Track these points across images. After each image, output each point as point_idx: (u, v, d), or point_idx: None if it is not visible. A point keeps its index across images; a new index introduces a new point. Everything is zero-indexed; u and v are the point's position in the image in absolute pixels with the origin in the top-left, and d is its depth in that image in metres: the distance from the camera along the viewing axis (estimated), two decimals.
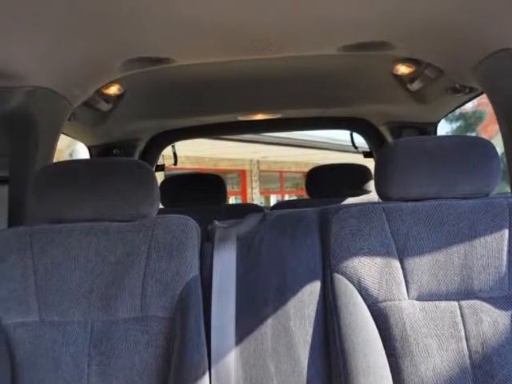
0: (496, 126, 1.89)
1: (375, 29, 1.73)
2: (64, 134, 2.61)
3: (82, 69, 1.89)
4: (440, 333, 1.47)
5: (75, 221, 1.61)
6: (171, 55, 1.89)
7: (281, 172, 15.86)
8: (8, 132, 1.89)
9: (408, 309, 1.48)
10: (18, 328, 1.50)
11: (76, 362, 1.48)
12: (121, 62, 1.91)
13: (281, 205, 3.36)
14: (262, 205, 10.11)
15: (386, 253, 1.52)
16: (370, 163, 2.91)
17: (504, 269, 1.50)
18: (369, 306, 1.49)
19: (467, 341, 1.46)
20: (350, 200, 3.06)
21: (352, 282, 1.50)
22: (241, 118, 3.27)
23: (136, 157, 3.48)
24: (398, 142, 1.66)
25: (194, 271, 1.55)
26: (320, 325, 1.50)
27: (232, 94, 2.79)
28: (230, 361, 1.47)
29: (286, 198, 15.92)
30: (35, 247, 1.57)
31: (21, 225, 1.81)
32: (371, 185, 3.10)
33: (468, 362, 1.44)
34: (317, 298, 1.52)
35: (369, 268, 1.51)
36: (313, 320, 1.51)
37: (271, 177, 15.76)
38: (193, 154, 11.25)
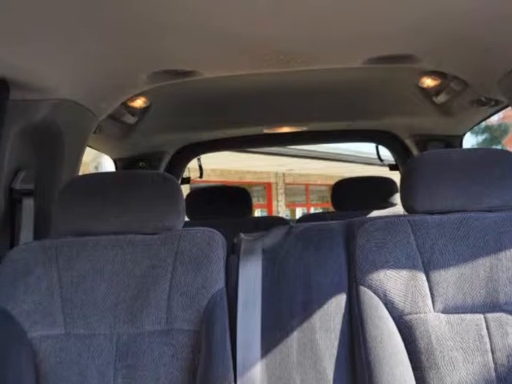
0: None
1: (401, 41, 1.74)
2: (89, 146, 2.63)
3: (108, 82, 1.91)
4: (466, 346, 1.46)
5: (101, 233, 1.62)
6: (197, 68, 1.91)
7: (306, 185, 15.85)
8: (34, 144, 1.90)
9: (434, 322, 1.48)
10: (43, 341, 1.51)
11: (102, 375, 1.48)
12: (146, 75, 1.92)
13: (306, 217, 3.36)
14: (287, 217, 10.12)
15: (411, 266, 1.52)
16: (396, 176, 2.90)
17: None
18: (394, 319, 1.48)
19: (493, 353, 1.45)
20: (376, 213, 3.05)
21: (377, 294, 1.50)
22: (266, 131, 3.28)
23: (162, 169, 3.48)
24: (423, 155, 1.66)
25: (220, 284, 1.55)
26: (345, 338, 1.51)
27: (257, 106, 2.80)
28: (256, 374, 1.47)
29: (312, 210, 15.88)
30: (61, 260, 1.58)
31: (46, 238, 1.82)
32: (397, 197, 3.09)
33: (494, 374, 1.43)
34: (342, 310, 1.53)
35: (394, 281, 1.51)
36: (338, 333, 1.51)
37: (297, 190, 15.75)
38: (218, 166, 11.29)
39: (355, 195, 3.13)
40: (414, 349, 1.46)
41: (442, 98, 2.52)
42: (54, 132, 1.92)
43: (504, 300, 1.48)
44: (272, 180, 14.56)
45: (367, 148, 10.63)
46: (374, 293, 1.50)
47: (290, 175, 14.86)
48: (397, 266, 1.52)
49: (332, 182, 3.52)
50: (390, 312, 1.49)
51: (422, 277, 1.51)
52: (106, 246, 1.60)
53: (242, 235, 1.73)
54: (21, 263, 1.59)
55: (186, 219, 3.06)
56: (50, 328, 1.52)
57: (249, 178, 13.59)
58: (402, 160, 3.58)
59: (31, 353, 1.50)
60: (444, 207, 1.58)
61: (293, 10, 1.42)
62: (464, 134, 3.21)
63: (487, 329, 1.47)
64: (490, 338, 1.46)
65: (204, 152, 3.66)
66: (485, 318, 1.48)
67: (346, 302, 1.54)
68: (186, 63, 1.86)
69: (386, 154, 3.71)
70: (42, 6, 1.28)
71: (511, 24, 1.56)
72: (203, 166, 3.73)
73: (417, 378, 1.44)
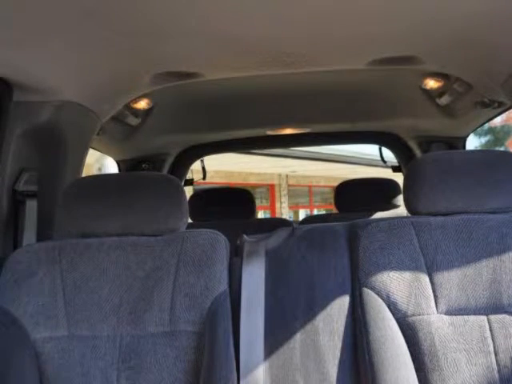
0: None
1: (404, 43, 1.74)
2: (93, 148, 2.63)
3: (111, 83, 1.91)
4: (469, 347, 1.46)
5: (104, 235, 1.63)
6: (200, 70, 1.91)
7: (309, 186, 15.84)
8: (37, 146, 1.90)
9: (437, 323, 1.48)
10: (46, 342, 1.52)
11: (105, 376, 1.48)
12: (149, 77, 1.92)
13: (310, 219, 3.35)
14: (290, 219, 10.11)
15: (414, 267, 1.52)
16: (399, 178, 2.90)
17: None
18: (397, 321, 1.49)
19: (496, 355, 1.45)
20: (379, 214, 3.05)
21: (381, 296, 1.50)
22: (269, 133, 3.28)
23: (165, 171, 3.49)
24: (426, 157, 1.66)
25: (223, 286, 1.55)
26: (349, 339, 1.51)
27: (261, 108, 2.80)
28: (259, 375, 1.47)
29: (315, 212, 15.88)
30: (64, 262, 1.59)
31: (49, 239, 1.82)
32: (400, 199, 3.09)
33: (497, 376, 1.44)
34: (346, 312, 1.53)
35: (397, 282, 1.51)
36: (342, 334, 1.51)
37: (300, 191, 15.74)
38: (221, 168, 11.30)
39: (358, 197, 3.13)
40: (417, 350, 1.47)
41: (445, 100, 2.52)
42: (56, 133, 1.91)
43: (507, 301, 1.48)
44: (275, 181, 14.56)
45: (370, 150, 10.65)
46: (378, 294, 1.51)
47: (294, 177, 14.86)
48: (400, 267, 1.52)
49: (335, 184, 3.52)
50: (393, 313, 1.49)
51: (425, 278, 1.51)
52: (109, 247, 1.60)
53: (246, 237, 1.73)
54: (24, 265, 1.59)
55: (190, 221, 3.06)
56: (53, 330, 1.52)
57: (252, 180, 13.59)
58: (405, 162, 3.58)
59: (34, 354, 1.50)
60: (447, 209, 1.58)
61: (296, 11, 1.42)
62: (467, 136, 3.21)
63: (490, 330, 1.47)
64: (493, 340, 1.46)
65: (207, 153, 3.66)
66: (488, 319, 1.48)
67: (350, 304, 1.54)
68: (189, 65, 1.86)
69: (389, 155, 3.70)
70: (45, 7, 1.28)
71: (509, 24, 1.56)
72: (206, 168, 3.73)
73: (420, 380, 1.44)
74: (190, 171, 3.68)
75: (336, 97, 2.68)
